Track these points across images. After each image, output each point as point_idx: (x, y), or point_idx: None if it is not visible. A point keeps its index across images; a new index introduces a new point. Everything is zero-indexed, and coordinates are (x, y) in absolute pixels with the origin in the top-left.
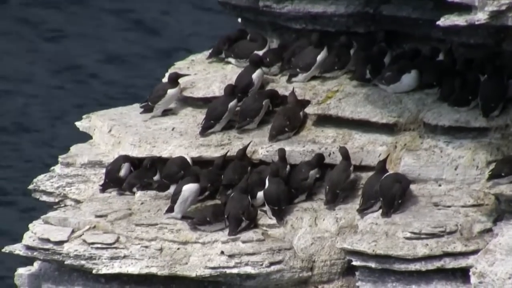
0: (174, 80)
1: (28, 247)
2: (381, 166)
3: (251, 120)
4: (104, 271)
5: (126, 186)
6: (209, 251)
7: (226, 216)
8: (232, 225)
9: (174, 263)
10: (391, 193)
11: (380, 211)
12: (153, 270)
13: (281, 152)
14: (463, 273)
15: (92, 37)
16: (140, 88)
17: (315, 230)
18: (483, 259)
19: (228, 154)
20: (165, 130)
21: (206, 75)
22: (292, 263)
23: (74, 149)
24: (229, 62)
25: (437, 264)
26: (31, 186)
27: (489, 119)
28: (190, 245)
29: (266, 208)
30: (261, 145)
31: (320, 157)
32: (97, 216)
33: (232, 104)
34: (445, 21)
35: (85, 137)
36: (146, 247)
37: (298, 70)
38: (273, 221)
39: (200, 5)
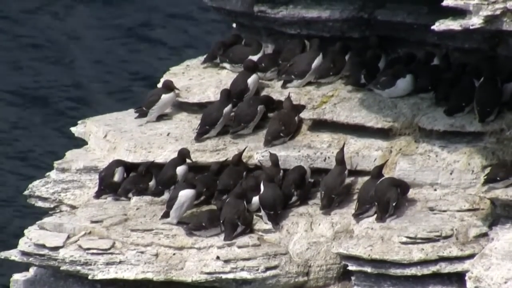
0: (168, 87)
1: (24, 253)
2: (377, 172)
3: (245, 125)
4: (99, 276)
5: (122, 192)
6: (205, 256)
7: (221, 221)
8: (228, 230)
9: (169, 268)
10: (386, 198)
11: (376, 215)
12: (149, 275)
13: (273, 157)
14: (458, 278)
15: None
16: None
17: (310, 235)
18: (479, 264)
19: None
20: (160, 135)
21: (201, 80)
22: (288, 268)
23: (69, 154)
24: (224, 67)
25: (432, 268)
26: (26, 192)
27: (484, 124)
28: (186, 250)
29: (262, 213)
30: (256, 150)
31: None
32: (92, 222)
33: (227, 109)
34: (440, 25)
35: (80, 142)
36: (142, 252)
37: (293, 76)
38: (269, 226)
39: None
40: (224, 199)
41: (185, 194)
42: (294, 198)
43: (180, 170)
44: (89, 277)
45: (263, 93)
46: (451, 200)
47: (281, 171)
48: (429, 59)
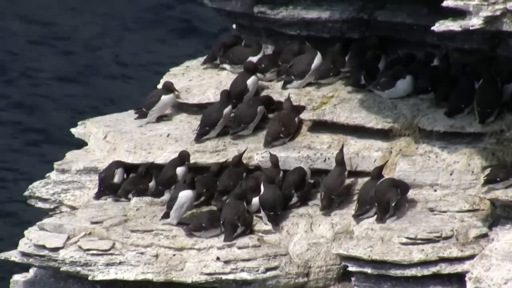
0: (168, 88)
1: (24, 254)
2: (377, 172)
3: (245, 126)
4: (99, 277)
5: (122, 193)
6: (205, 257)
7: (221, 222)
8: (228, 231)
9: (169, 269)
10: (386, 199)
11: (376, 216)
12: (149, 276)
13: (273, 158)
14: (459, 279)
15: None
16: None
17: (310, 235)
18: (479, 264)
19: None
20: (160, 136)
21: (201, 81)
22: (288, 269)
23: (69, 155)
24: (224, 68)
25: (433, 269)
26: (26, 193)
27: (484, 125)
28: (186, 251)
29: (262, 214)
30: (256, 151)
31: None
32: (92, 223)
33: (226, 110)
34: (439, 26)
35: (80, 143)
36: (142, 253)
37: (292, 77)
38: (269, 227)
39: None
40: (224, 200)
41: (185, 195)
42: (294, 199)
43: (180, 170)
44: (89, 278)
45: (263, 94)
46: (451, 201)
47: (281, 172)
48: (429, 60)
